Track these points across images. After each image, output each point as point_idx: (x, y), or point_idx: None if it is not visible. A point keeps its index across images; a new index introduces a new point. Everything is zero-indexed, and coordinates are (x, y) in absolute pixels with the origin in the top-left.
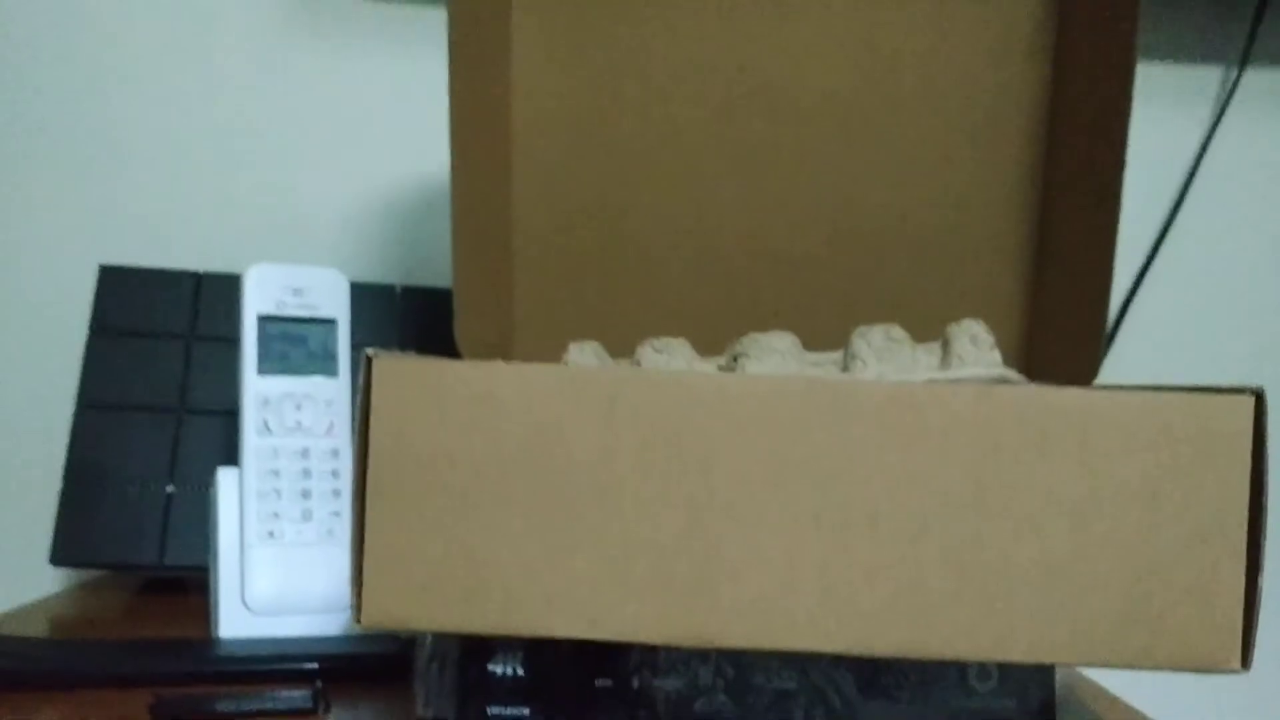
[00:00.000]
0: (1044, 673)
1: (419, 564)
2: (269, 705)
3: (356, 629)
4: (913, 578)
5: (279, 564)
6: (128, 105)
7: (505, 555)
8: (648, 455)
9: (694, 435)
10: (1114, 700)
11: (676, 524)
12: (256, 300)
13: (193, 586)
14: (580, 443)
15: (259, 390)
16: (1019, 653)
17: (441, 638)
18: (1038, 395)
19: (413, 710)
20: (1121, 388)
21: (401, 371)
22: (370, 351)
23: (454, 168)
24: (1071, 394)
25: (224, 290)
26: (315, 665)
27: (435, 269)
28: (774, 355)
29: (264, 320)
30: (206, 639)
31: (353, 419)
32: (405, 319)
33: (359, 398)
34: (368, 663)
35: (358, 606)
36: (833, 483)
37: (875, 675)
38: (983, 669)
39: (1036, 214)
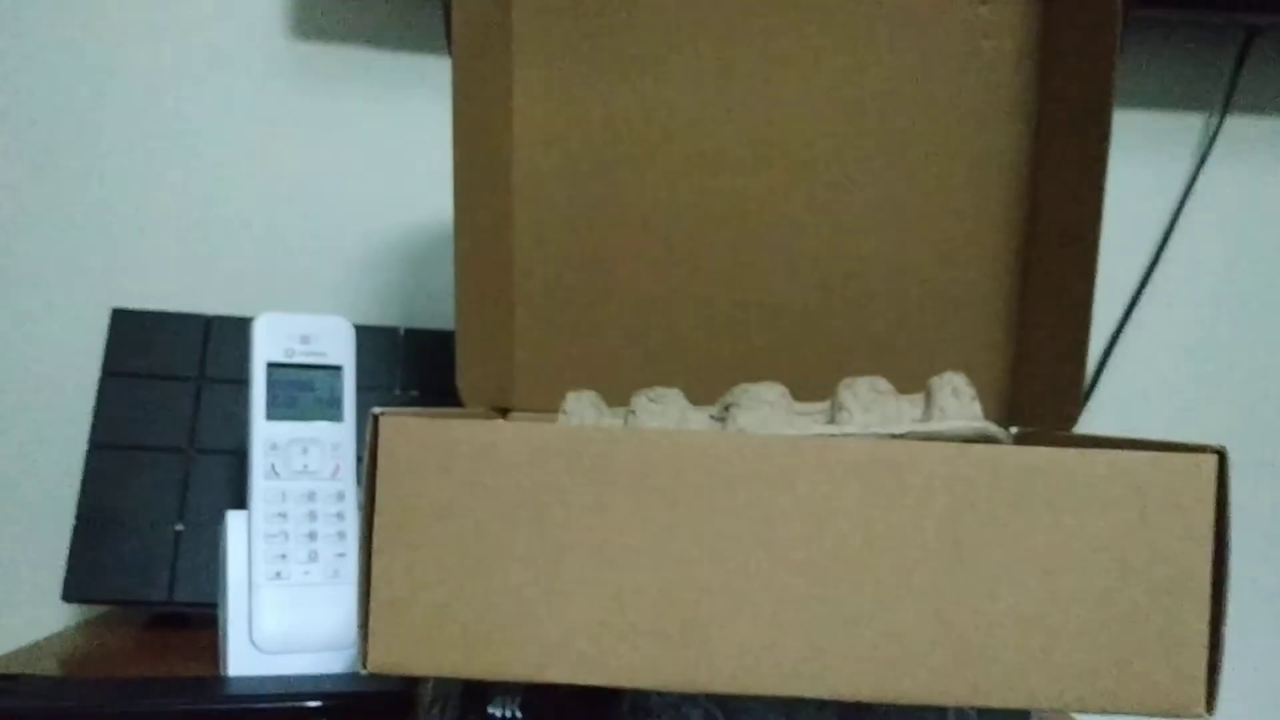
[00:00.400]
0: (1022, 715)
1: (423, 612)
2: None
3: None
4: (894, 627)
5: (286, 604)
6: (139, 151)
7: (505, 604)
8: (641, 509)
9: (685, 490)
10: None
11: (668, 575)
12: (265, 348)
13: (199, 622)
14: (577, 497)
15: (267, 435)
16: (996, 699)
17: (443, 681)
18: (1011, 455)
19: None
20: (1094, 443)
21: (407, 428)
22: (377, 410)
23: (457, 220)
24: (1043, 454)
25: (232, 333)
26: (321, 703)
27: (438, 311)
28: (763, 406)
29: (273, 367)
30: (215, 677)
31: (358, 473)
32: (409, 361)
33: (366, 454)
34: (372, 701)
35: (364, 654)
36: (817, 536)
37: (859, 716)
38: (962, 711)
39: (1019, 266)
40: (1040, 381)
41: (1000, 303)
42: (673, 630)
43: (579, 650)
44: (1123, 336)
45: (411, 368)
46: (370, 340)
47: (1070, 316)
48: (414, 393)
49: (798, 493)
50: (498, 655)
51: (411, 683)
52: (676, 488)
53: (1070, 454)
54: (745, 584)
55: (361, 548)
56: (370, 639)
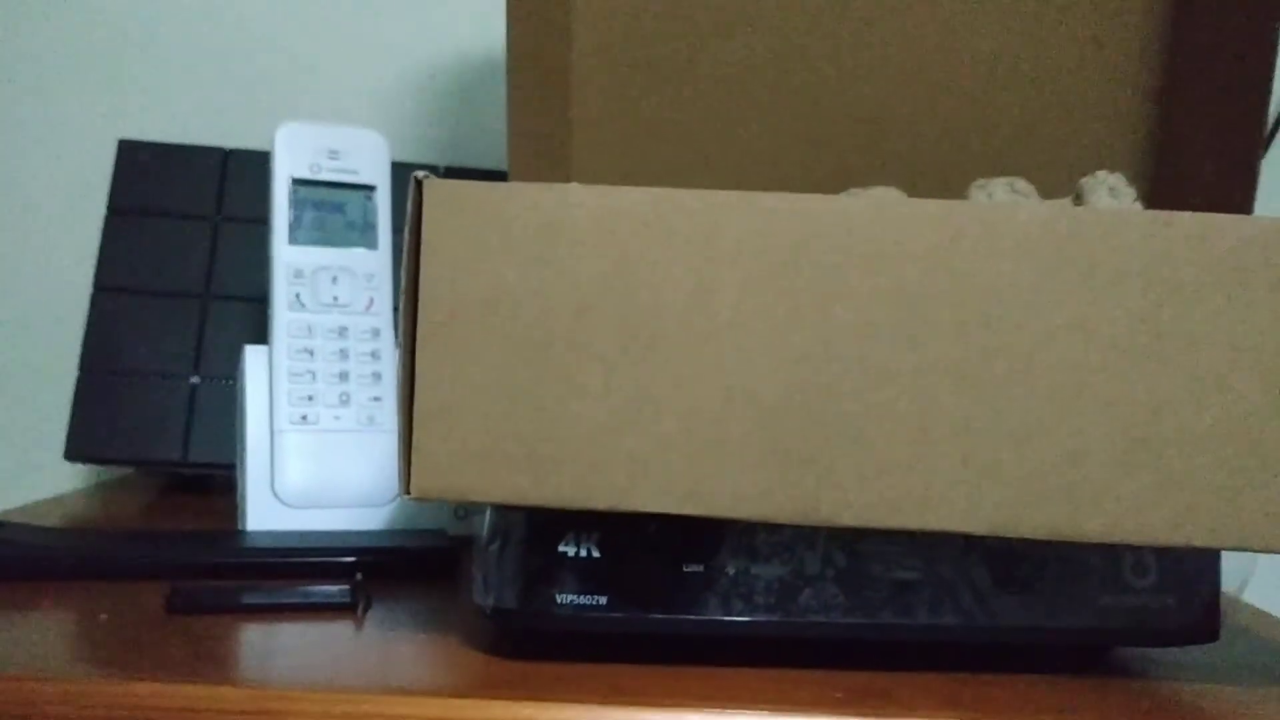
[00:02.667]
0: (1210, 570)
1: (479, 425)
2: (301, 600)
3: (398, 525)
4: (1071, 444)
5: (313, 452)
6: None
7: (581, 414)
8: (754, 296)
9: (811, 271)
10: (1276, 623)
11: (788, 377)
12: (288, 161)
13: (219, 487)
14: (672, 280)
15: (291, 261)
16: (1201, 537)
17: (504, 513)
18: (1228, 225)
19: (460, 610)
20: None
21: (459, 197)
22: (420, 174)
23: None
24: (1268, 225)
25: (252, 167)
26: (353, 559)
27: (481, 149)
28: None
29: (297, 184)
30: (232, 531)
31: (395, 306)
32: None
33: (408, 229)
34: (411, 558)
35: (406, 476)
36: (977, 330)
37: (1013, 566)
38: (1140, 561)
39: (1168, 49)
40: (1197, 189)
41: (1141, 114)
42: (793, 449)
43: (671, 473)
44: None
45: None
46: (406, 178)
47: (1242, 105)
48: None
49: (954, 272)
50: (570, 478)
51: (456, 542)
52: (801, 267)
53: None
54: (885, 390)
55: (403, 346)
56: (414, 456)
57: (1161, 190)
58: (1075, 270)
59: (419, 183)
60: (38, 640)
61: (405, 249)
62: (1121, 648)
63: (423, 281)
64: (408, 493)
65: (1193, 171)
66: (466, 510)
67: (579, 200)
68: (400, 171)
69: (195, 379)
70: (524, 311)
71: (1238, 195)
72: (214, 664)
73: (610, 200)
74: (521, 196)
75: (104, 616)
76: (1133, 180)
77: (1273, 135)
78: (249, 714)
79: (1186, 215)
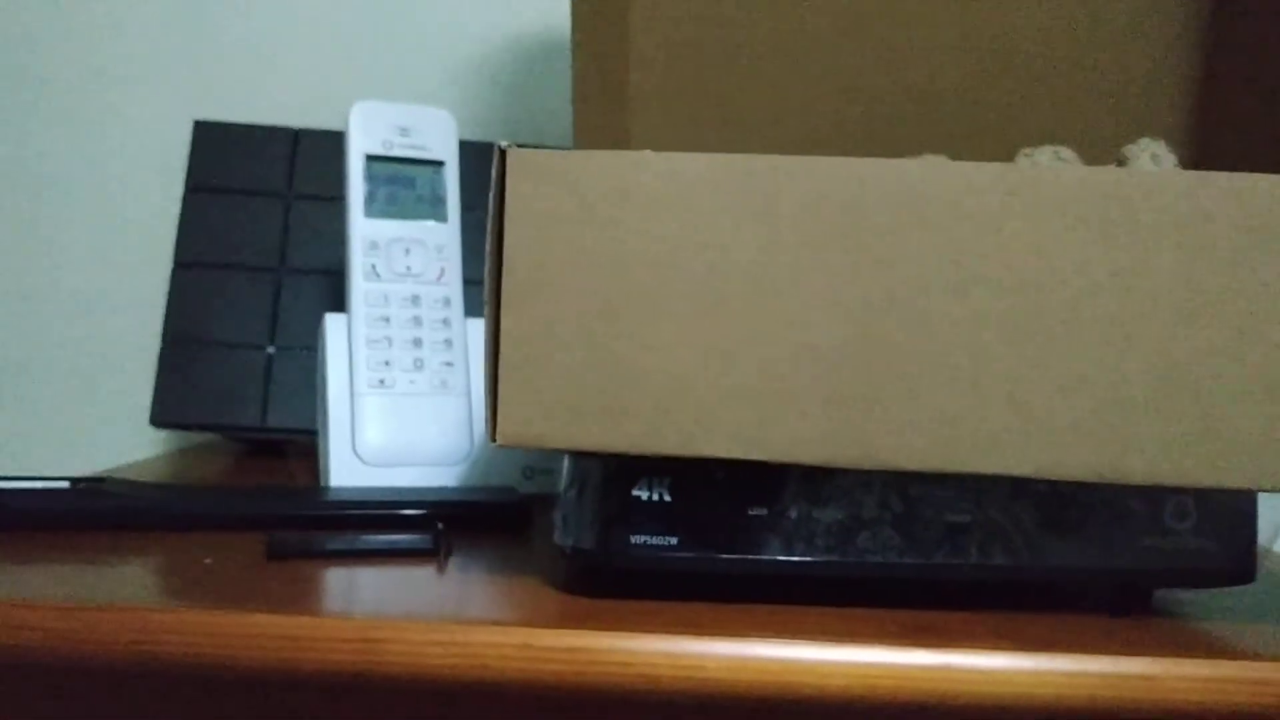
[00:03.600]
0: (1247, 514)
1: (560, 376)
2: (387, 546)
3: (470, 483)
4: (1115, 391)
5: (391, 414)
6: None
7: (653, 366)
8: (815, 253)
9: (868, 230)
10: None
11: (847, 330)
12: (362, 139)
13: (294, 451)
14: (738, 239)
15: (367, 233)
16: (1238, 479)
17: (582, 460)
18: (1263, 185)
19: (535, 556)
20: None
21: (539, 164)
22: (504, 144)
23: (575, 12)
24: None
25: (322, 147)
26: (434, 511)
27: (542, 129)
28: None
29: (371, 160)
30: (318, 486)
31: (461, 251)
32: None
33: (492, 195)
34: (487, 511)
35: (493, 424)
36: (1025, 284)
37: (1059, 509)
38: (1180, 505)
39: (1210, 37)
40: (1240, 163)
41: (1185, 80)
42: (851, 397)
43: (740, 420)
44: None
45: None
46: (471, 156)
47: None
48: None
49: (1004, 232)
50: (645, 426)
51: (527, 498)
52: (859, 226)
53: None
54: (939, 341)
55: (489, 304)
56: (500, 406)
57: (1203, 162)
58: (1118, 228)
59: (503, 152)
60: (151, 581)
61: (489, 214)
62: (1162, 588)
63: (506, 244)
64: (494, 440)
65: (1234, 142)
66: (533, 470)
67: (650, 166)
68: (465, 151)
69: (271, 348)
70: (599, 271)
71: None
72: (315, 600)
73: (679, 165)
74: (597, 163)
75: (208, 561)
76: (1175, 150)
77: None
78: (353, 642)
79: (1223, 175)
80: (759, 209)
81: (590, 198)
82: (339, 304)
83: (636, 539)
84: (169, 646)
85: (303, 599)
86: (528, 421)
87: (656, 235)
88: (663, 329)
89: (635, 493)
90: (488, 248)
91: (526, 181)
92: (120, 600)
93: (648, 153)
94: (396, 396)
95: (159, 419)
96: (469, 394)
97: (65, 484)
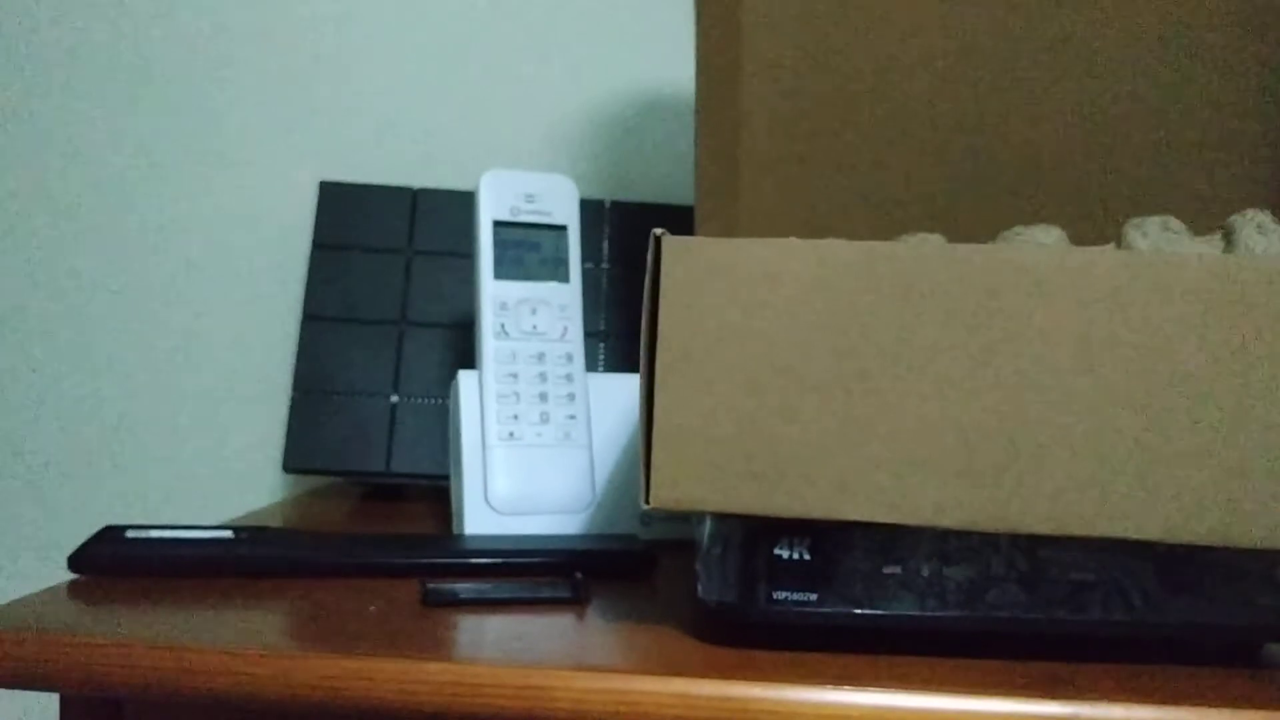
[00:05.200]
0: None
1: (709, 445)
2: (533, 595)
3: (592, 530)
4: (1233, 461)
5: (519, 464)
6: (345, 18)
7: (798, 435)
8: (951, 333)
9: (1001, 311)
10: None
11: (982, 406)
12: (491, 206)
13: (414, 494)
14: (878, 320)
15: (496, 294)
16: None
17: (724, 520)
18: None
19: (669, 604)
20: None
21: (691, 249)
22: (658, 231)
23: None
24: None
25: (439, 205)
26: (571, 559)
27: (643, 184)
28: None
29: (499, 225)
30: (457, 535)
31: (582, 310)
32: (614, 233)
33: (648, 278)
34: (619, 559)
35: (646, 488)
36: (1149, 362)
37: (1177, 568)
38: None
39: None
40: None
41: (1272, 147)
42: (984, 466)
43: (878, 487)
44: None
45: (616, 239)
46: (583, 212)
47: None
48: (619, 267)
49: (1129, 314)
50: (789, 491)
51: (651, 546)
52: (991, 308)
53: None
54: (1067, 415)
55: (644, 376)
56: (654, 471)
57: None
58: (1234, 310)
59: (658, 239)
60: (327, 627)
61: (645, 294)
62: (1274, 643)
63: (661, 324)
64: (647, 503)
65: None
66: (651, 517)
67: (797, 253)
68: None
69: (395, 397)
70: (748, 348)
71: None
72: (475, 647)
73: (825, 253)
74: (746, 250)
75: (373, 609)
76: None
77: None
78: (522, 689)
79: None
80: (898, 294)
81: (739, 281)
82: (458, 355)
83: (778, 594)
84: (354, 692)
85: (464, 646)
86: (680, 485)
87: (801, 315)
88: (806, 402)
89: (777, 551)
90: (643, 324)
91: (679, 266)
92: (308, 648)
93: (794, 240)
94: (524, 448)
95: (291, 465)
96: (589, 445)
97: (229, 533)
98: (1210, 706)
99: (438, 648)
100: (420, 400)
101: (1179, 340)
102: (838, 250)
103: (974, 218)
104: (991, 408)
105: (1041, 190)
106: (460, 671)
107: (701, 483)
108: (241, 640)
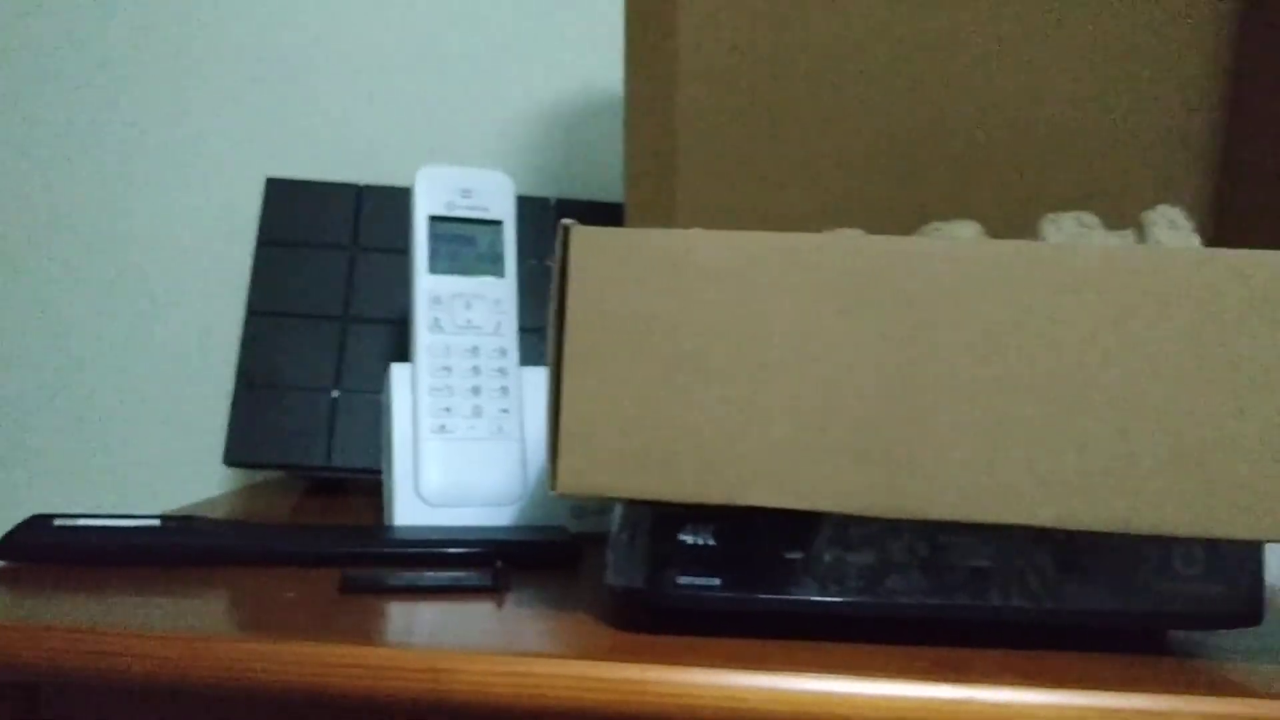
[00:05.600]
0: (1253, 559)
1: (615, 431)
2: (451, 583)
3: (524, 522)
4: (1126, 450)
5: (451, 457)
6: (293, 19)
7: (702, 422)
8: (852, 322)
9: (901, 301)
10: None
11: (879, 392)
12: (427, 201)
13: (356, 489)
14: (780, 309)
15: (430, 289)
16: (1239, 530)
17: (633, 507)
18: (1266, 259)
19: (586, 593)
20: None
21: (600, 239)
22: (567, 222)
23: (627, 73)
24: None
25: (384, 202)
26: (494, 549)
27: (590, 182)
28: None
29: (434, 220)
30: (383, 525)
31: (517, 305)
32: None
33: (555, 267)
34: (543, 549)
35: (554, 474)
36: (1045, 350)
37: (1076, 555)
38: (1189, 552)
39: (1225, 101)
40: (1251, 232)
41: (1207, 140)
42: (883, 453)
43: (781, 473)
44: None
45: None
46: (522, 209)
47: None
48: None
49: (1025, 304)
50: (693, 477)
51: (577, 537)
52: (892, 298)
53: None
54: (965, 403)
55: (551, 363)
56: (560, 458)
57: (1226, 217)
58: (1129, 300)
59: (566, 230)
60: (240, 613)
61: (553, 283)
62: (1174, 630)
63: (568, 312)
64: (554, 489)
65: (1255, 202)
66: (583, 510)
67: (702, 243)
68: (519, 205)
69: (336, 392)
70: (653, 336)
71: None
72: (386, 633)
73: (729, 242)
74: (652, 240)
75: (291, 595)
76: (1199, 209)
77: None
78: (422, 672)
79: (1229, 251)
80: (800, 283)
81: (646, 271)
82: (400, 351)
83: (683, 580)
84: (262, 675)
85: (375, 631)
86: (586, 472)
87: (706, 305)
88: (710, 389)
89: (682, 537)
90: (550, 313)
91: (588, 256)
92: (218, 631)
93: (699, 230)
94: (456, 441)
95: (232, 458)
96: (523, 439)
97: (156, 522)
98: (1102, 690)
99: (346, 632)
100: (362, 395)
101: (1075, 330)
102: (741, 241)
103: (910, 214)
104: (891, 396)
105: (973, 190)
106: (362, 654)
107: (607, 470)
108: (158, 625)
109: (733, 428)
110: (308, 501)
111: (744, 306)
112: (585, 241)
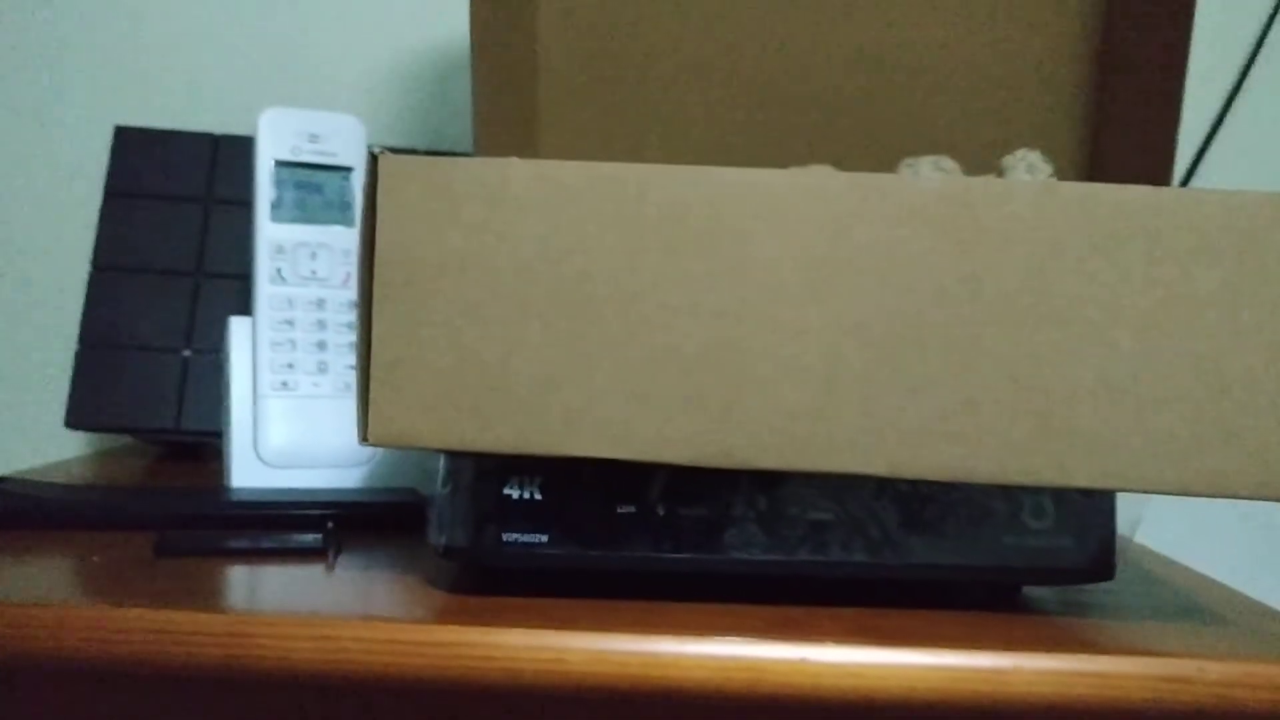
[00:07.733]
0: (1104, 512)
1: (430, 378)
2: (278, 545)
3: (375, 484)
4: (963, 394)
5: (293, 416)
6: None
7: (521, 368)
8: (676, 259)
9: (728, 237)
10: (1168, 562)
11: (706, 334)
12: (271, 145)
13: (210, 454)
14: (603, 245)
15: (273, 238)
16: (1081, 478)
17: (456, 461)
18: (1105, 194)
19: (423, 555)
20: (1198, 190)
21: (410, 170)
22: (375, 148)
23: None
24: (1143, 193)
25: (241, 152)
26: (327, 512)
27: (461, 133)
28: None
29: (279, 165)
30: (217, 487)
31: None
32: None
33: (363, 199)
34: (380, 511)
35: (364, 424)
36: (878, 289)
37: (920, 508)
38: (1038, 504)
39: (1095, 40)
40: (1122, 171)
41: (1076, 86)
42: (708, 398)
43: (604, 421)
44: (1224, 126)
45: None
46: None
47: (1160, 97)
48: None
49: (857, 239)
50: (513, 427)
51: (424, 498)
52: (718, 233)
53: (1174, 194)
54: (794, 345)
55: (360, 306)
56: (371, 407)
57: (1098, 165)
58: (966, 235)
59: (374, 157)
60: (36, 578)
61: (362, 217)
62: (1026, 586)
63: (378, 246)
64: (364, 440)
65: (1123, 149)
66: None
67: (518, 173)
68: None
69: (188, 352)
70: (469, 275)
71: (1159, 172)
72: (197, 596)
73: (546, 171)
74: (466, 169)
75: (95, 558)
76: (1067, 155)
77: (1221, 118)
78: (221, 636)
79: (1070, 185)
80: (623, 215)
81: (460, 203)
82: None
83: (508, 537)
84: (43, 641)
85: (184, 595)
86: (400, 422)
87: (523, 240)
88: (529, 332)
89: (506, 491)
90: (359, 249)
91: (398, 186)
92: (12, 599)
93: (515, 159)
94: (300, 399)
95: (73, 421)
96: None
97: None
98: (942, 649)
99: (154, 597)
100: (215, 354)
101: (908, 267)
102: (561, 171)
103: (774, 161)
104: (716, 337)
105: (839, 137)
106: (159, 619)
107: (421, 419)
108: None
109: (554, 372)
110: (159, 467)
111: (563, 241)
112: (395, 170)
